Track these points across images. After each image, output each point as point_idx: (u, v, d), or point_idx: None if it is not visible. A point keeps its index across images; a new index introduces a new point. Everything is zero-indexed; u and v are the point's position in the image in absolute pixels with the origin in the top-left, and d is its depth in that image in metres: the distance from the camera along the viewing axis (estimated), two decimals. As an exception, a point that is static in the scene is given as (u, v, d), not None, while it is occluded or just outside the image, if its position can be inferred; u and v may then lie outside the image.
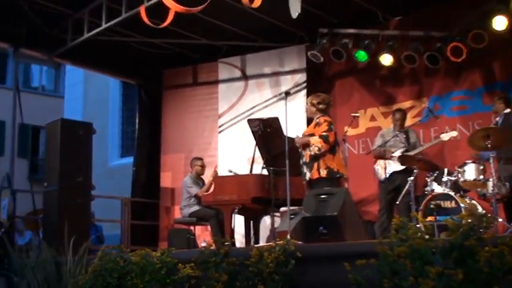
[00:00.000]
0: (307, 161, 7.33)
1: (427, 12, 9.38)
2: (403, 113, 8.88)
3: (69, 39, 10.03)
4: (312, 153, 7.28)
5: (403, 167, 8.32)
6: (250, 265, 5.32)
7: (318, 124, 7.46)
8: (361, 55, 9.48)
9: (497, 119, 7.94)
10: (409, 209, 7.87)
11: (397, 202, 8.03)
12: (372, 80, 10.08)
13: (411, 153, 8.37)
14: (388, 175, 8.46)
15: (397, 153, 8.49)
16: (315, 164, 7.27)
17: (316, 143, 7.26)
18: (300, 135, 7.54)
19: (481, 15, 8.56)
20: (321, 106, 7.59)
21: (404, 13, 9.75)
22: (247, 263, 5.35)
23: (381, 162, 8.61)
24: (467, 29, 8.69)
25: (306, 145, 7.35)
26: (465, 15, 8.73)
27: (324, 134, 7.32)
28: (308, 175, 7.28)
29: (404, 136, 8.62)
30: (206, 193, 8.99)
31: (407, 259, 4.07)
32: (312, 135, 7.39)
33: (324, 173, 7.23)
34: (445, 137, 8.29)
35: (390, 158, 8.50)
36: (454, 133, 8.28)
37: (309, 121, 8.19)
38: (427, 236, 4.21)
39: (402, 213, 7.66)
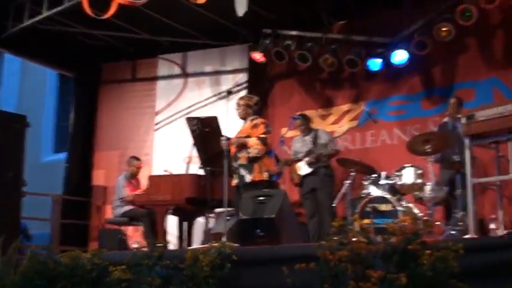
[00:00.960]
0: (245, 163, 7.21)
1: (371, 18, 9.42)
2: (304, 117, 8.72)
3: (10, 26, 9.65)
4: (251, 155, 7.19)
5: (311, 170, 8.31)
6: (184, 268, 5.14)
7: (255, 126, 7.38)
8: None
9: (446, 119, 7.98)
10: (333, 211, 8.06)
11: (333, 204, 8.01)
12: (312, 82, 10.08)
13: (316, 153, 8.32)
14: (300, 180, 8.48)
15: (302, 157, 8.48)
16: (256, 166, 7.18)
17: (255, 145, 7.20)
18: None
19: (426, 23, 8.65)
20: (256, 107, 7.56)
21: (348, 18, 9.79)
22: (181, 266, 5.17)
23: (293, 167, 8.59)
24: (411, 35, 8.77)
25: (243, 146, 7.23)
26: (409, 23, 8.81)
27: (262, 136, 7.28)
28: (249, 177, 7.15)
29: (311, 139, 8.53)
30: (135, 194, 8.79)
31: (348, 263, 3.98)
32: (248, 136, 7.29)
33: (265, 175, 7.18)
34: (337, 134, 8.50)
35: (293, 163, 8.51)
36: (345, 127, 8.52)
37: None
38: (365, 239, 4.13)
39: (326, 216, 7.85)
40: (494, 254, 4.30)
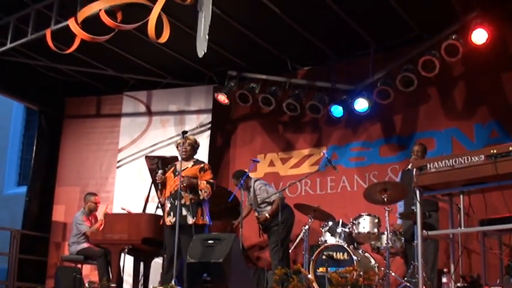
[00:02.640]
0: (188, 203, 7.14)
1: (334, 65, 9.55)
2: (238, 174, 8.76)
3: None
4: (201, 197, 7.15)
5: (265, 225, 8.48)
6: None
7: (203, 169, 7.37)
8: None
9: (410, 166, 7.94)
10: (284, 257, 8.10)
11: (289, 251, 7.95)
12: (275, 125, 10.16)
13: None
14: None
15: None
16: (199, 210, 7.14)
17: (206, 188, 7.17)
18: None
19: (389, 72, 8.78)
20: (197, 151, 7.56)
21: (312, 64, 9.92)
22: (123, 309, 5.07)
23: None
24: (374, 84, 8.86)
25: (192, 187, 7.17)
26: (373, 71, 8.94)
27: (211, 181, 7.29)
28: (191, 219, 7.06)
29: (253, 195, 8.66)
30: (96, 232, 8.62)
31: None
32: (195, 178, 7.26)
33: (206, 219, 7.17)
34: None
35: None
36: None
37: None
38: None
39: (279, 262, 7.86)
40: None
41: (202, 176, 7.28)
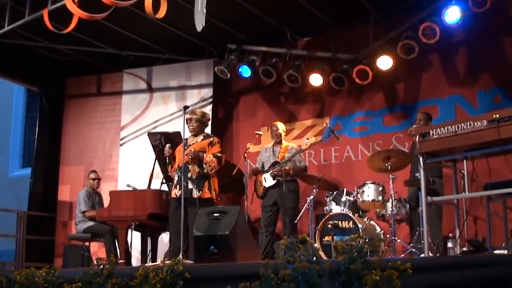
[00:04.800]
0: (194, 177, 7.15)
1: (334, 35, 9.46)
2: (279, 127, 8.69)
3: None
4: (205, 171, 7.17)
5: (275, 182, 8.21)
6: (135, 286, 5.05)
7: (212, 143, 7.36)
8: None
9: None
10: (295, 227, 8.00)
11: (295, 221, 7.94)
12: (276, 97, 10.12)
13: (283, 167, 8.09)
14: (263, 192, 8.40)
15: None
16: (206, 184, 7.16)
17: (211, 162, 7.17)
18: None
19: (389, 40, 8.73)
20: (207, 124, 7.57)
21: (312, 34, 9.85)
22: (131, 284, 5.08)
23: (258, 178, 8.52)
24: (374, 52, 8.82)
25: (198, 160, 7.18)
26: (373, 40, 8.87)
27: (218, 154, 7.28)
28: (197, 193, 7.08)
29: (280, 151, 8.46)
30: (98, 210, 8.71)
31: (292, 282, 3.91)
32: (204, 152, 7.25)
33: (213, 194, 7.18)
34: (305, 145, 8.17)
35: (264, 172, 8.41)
36: (313, 139, 8.19)
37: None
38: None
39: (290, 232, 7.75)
40: (445, 274, 4.26)
41: (210, 149, 7.29)
